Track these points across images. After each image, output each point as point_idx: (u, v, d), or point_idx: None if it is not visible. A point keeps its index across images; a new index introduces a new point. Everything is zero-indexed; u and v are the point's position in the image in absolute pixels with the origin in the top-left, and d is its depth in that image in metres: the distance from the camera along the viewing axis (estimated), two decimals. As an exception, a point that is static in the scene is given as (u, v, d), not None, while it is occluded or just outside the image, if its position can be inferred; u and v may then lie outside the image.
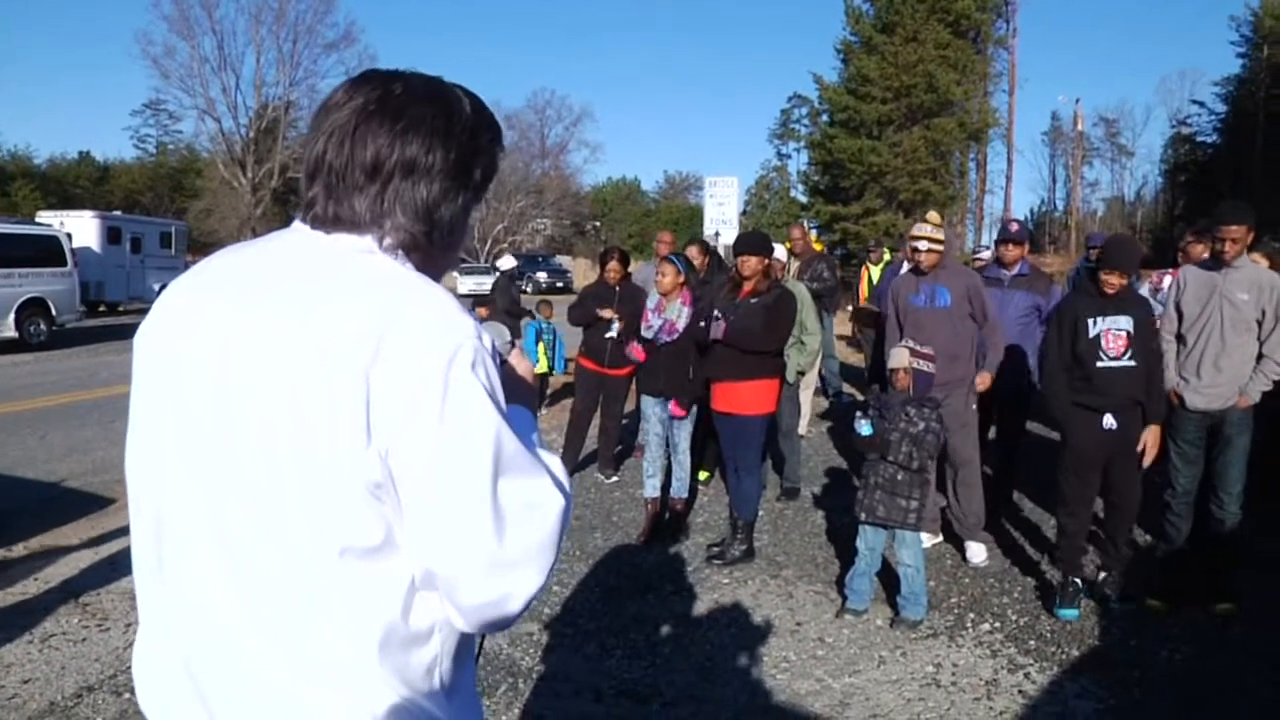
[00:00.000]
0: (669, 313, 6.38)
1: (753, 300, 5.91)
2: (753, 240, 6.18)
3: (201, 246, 52.15)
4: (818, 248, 12.10)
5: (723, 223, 17.07)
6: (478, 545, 1.21)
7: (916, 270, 6.15)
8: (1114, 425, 5.08)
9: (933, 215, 6.43)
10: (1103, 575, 5.31)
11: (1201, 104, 54.20)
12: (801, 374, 7.16)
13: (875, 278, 10.97)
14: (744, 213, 41.48)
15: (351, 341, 1.17)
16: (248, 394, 1.22)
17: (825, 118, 42.70)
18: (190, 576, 1.28)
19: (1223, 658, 4.67)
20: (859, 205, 38.20)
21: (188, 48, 49.94)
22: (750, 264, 5.92)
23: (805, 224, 15.21)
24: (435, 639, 1.30)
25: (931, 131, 38.06)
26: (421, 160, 1.31)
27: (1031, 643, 4.85)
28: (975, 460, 6.11)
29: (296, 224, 1.38)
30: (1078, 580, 5.32)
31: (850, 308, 12.50)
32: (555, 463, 1.38)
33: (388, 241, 1.33)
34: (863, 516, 5.15)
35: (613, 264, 7.82)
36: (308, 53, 53.19)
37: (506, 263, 12.66)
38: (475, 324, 1.26)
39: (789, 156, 59.10)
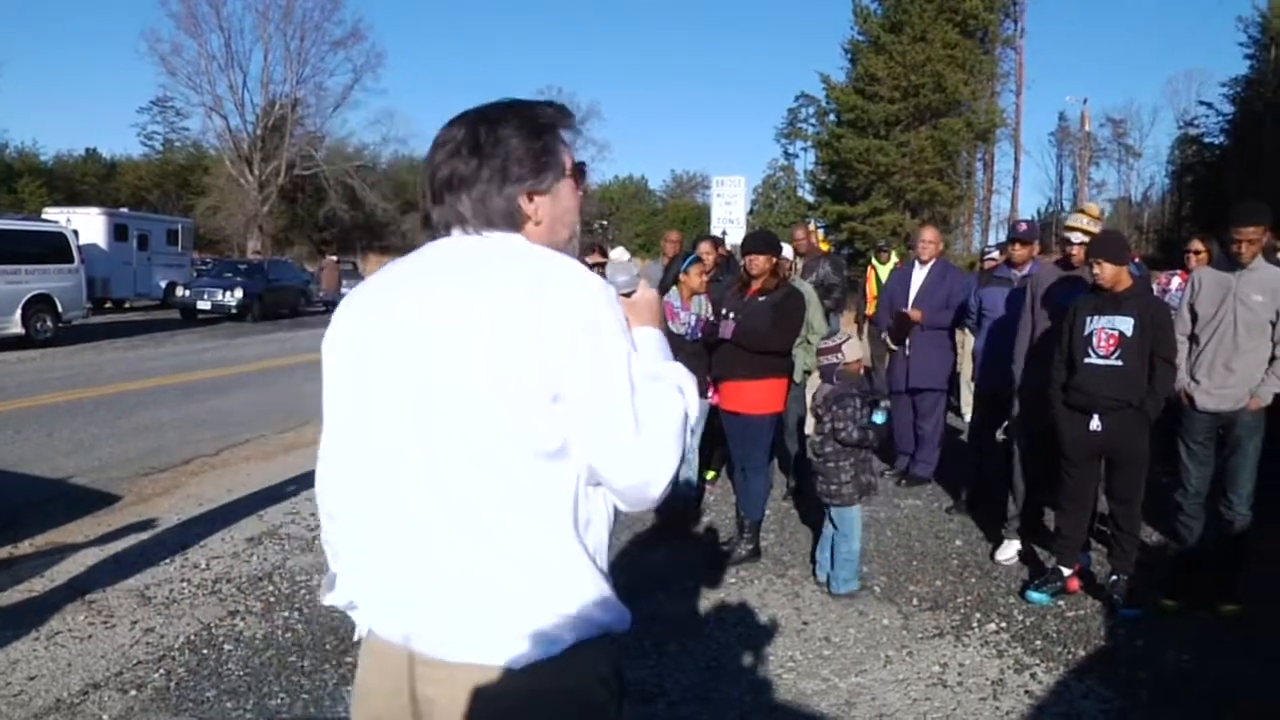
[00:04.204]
0: (695, 307, 6.40)
1: (760, 299, 5.90)
2: (760, 239, 6.17)
3: (208, 243, 52.30)
4: (825, 248, 12.09)
5: (729, 222, 17.06)
6: (624, 439, 1.57)
7: (1065, 264, 5.93)
8: (1099, 428, 5.07)
9: (1091, 207, 6.28)
10: (1112, 579, 5.30)
11: (1209, 105, 54.16)
12: (808, 373, 7.14)
13: (883, 277, 10.94)
14: (751, 212, 41.42)
15: (522, 295, 1.55)
16: (447, 347, 1.57)
17: (832, 117, 42.59)
18: (400, 495, 1.62)
19: (1229, 660, 4.66)
20: (866, 205, 38.17)
21: (195, 45, 50.16)
22: (758, 263, 5.91)
23: (812, 224, 15.19)
24: (597, 527, 1.67)
25: (939, 131, 38.01)
26: (456, 174, 1.69)
27: (1038, 643, 4.84)
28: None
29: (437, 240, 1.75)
30: (1062, 570, 5.38)
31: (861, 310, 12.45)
32: (680, 372, 1.74)
33: (470, 234, 1.70)
34: (844, 501, 5.40)
35: (596, 260, 7.69)
36: (315, 50, 53.37)
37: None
38: (600, 278, 1.65)
39: (796, 156, 59.15)
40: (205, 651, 4.55)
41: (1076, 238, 5.76)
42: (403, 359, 1.61)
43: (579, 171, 1.82)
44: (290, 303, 29.52)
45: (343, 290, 35.64)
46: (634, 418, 1.57)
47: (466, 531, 1.58)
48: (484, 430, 1.55)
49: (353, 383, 1.70)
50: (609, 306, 1.60)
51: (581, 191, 1.84)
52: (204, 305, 26.05)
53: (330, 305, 32.61)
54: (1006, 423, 6.52)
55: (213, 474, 8.12)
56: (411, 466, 1.61)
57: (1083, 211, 6.03)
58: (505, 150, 1.69)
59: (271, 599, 5.23)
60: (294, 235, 60.58)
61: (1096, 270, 5.07)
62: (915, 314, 7.66)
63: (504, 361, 1.53)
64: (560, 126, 1.78)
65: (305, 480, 7.71)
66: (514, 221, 1.71)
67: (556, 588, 1.60)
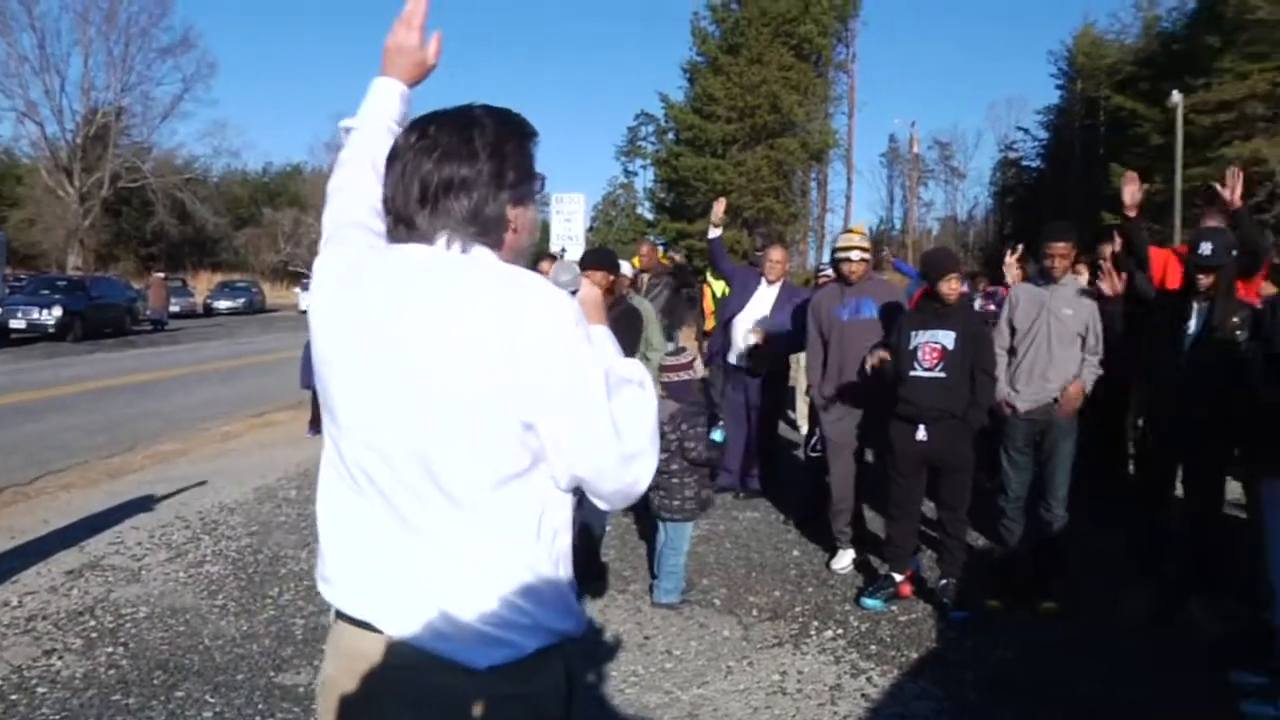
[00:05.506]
0: None
1: (595, 317, 5.91)
2: (596, 256, 6.20)
3: (23, 259, 49.28)
4: (665, 263, 12.20)
5: (569, 239, 17.11)
6: (609, 449, 1.62)
7: (844, 282, 6.21)
8: (925, 437, 5.29)
9: (858, 226, 6.56)
10: (942, 583, 5.50)
11: (1026, 131, 57.19)
12: (648, 389, 7.18)
13: (718, 293, 11.10)
14: (591, 229, 41.64)
15: (492, 323, 1.56)
16: (419, 373, 1.58)
17: (671, 136, 43.27)
18: (373, 491, 1.65)
19: (1049, 656, 4.88)
20: (704, 222, 38.68)
21: (4, 44, 47.15)
22: (595, 279, 5.91)
23: (652, 240, 15.44)
24: (562, 536, 1.72)
25: (774, 151, 39.03)
26: (456, 178, 1.66)
27: (873, 647, 4.97)
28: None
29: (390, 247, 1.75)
30: (894, 577, 5.58)
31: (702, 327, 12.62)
32: (636, 366, 1.78)
33: (455, 246, 1.68)
34: (686, 516, 5.51)
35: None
36: (141, 57, 50.94)
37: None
38: (566, 294, 1.68)
39: (635, 174, 59.53)
40: (15, 696, 4.23)
41: (856, 255, 6.12)
42: (377, 379, 1.63)
43: (542, 183, 1.85)
44: (115, 321, 28.24)
45: (171, 307, 34.36)
46: (614, 426, 1.62)
47: (430, 542, 1.63)
48: (451, 455, 1.59)
49: (339, 368, 1.70)
50: (578, 323, 1.63)
51: (536, 203, 1.86)
52: (18, 324, 24.64)
53: (158, 323, 31.32)
54: (814, 439, 6.75)
55: (27, 504, 7.65)
56: (383, 475, 1.64)
57: (852, 231, 6.48)
58: (502, 155, 1.71)
59: (93, 635, 4.93)
60: (119, 250, 57.84)
61: (947, 288, 5.30)
62: (758, 335, 7.71)
63: (474, 392, 1.56)
64: (537, 137, 1.81)
65: (131, 508, 7.35)
66: (502, 229, 1.73)
67: (519, 598, 1.64)
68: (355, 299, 1.69)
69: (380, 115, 2.06)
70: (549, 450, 1.62)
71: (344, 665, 1.73)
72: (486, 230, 1.70)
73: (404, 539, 1.64)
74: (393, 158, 1.74)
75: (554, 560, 1.70)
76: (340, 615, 1.75)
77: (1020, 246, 7.59)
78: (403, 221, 1.71)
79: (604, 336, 1.82)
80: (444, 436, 1.59)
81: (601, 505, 1.74)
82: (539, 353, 1.57)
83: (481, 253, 1.69)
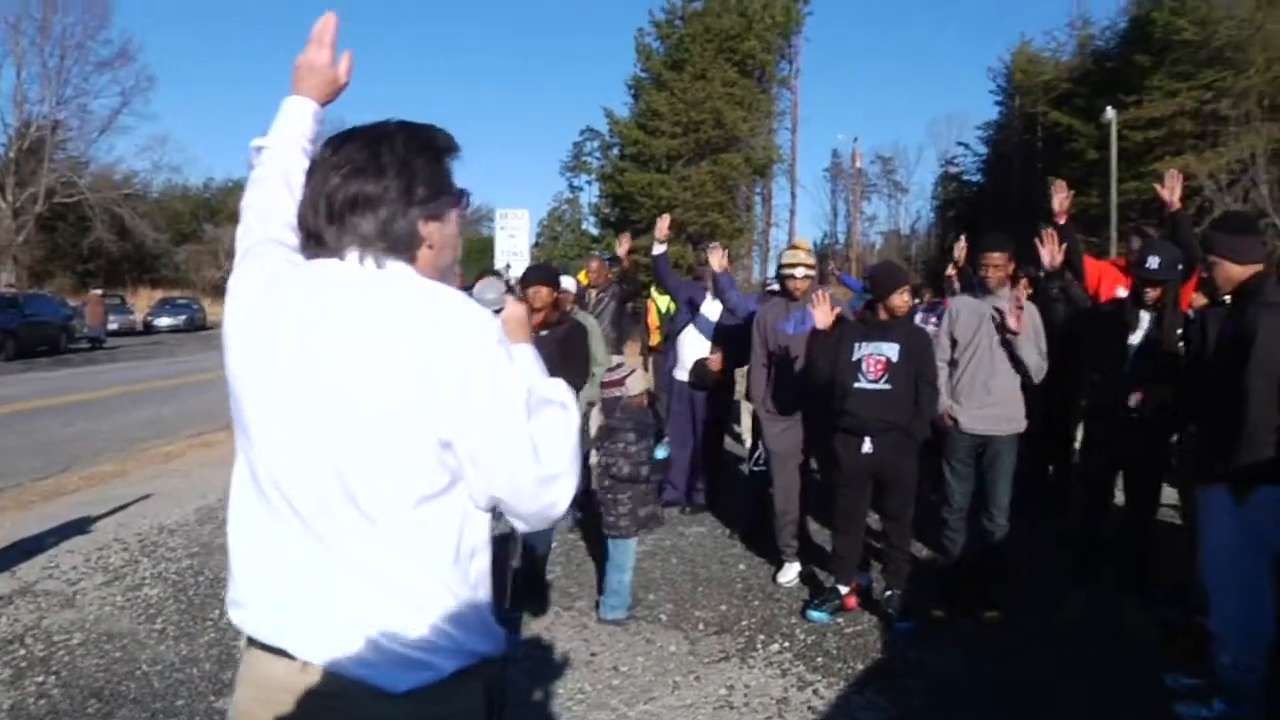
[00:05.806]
0: None
1: (543, 333, 5.90)
2: (541, 272, 6.20)
3: (-48, 277, 48.03)
4: (611, 277, 12.22)
5: (514, 255, 17.08)
6: (527, 470, 1.61)
7: (787, 296, 6.26)
8: (870, 450, 5.32)
9: (803, 241, 6.59)
10: (887, 594, 5.54)
11: (966, 146, 58.00)
12: (592, 405, 7.17)
13: (663, 308, 11.13)
14: (536, 245, 41.54)
15: (410, 343, 1.56)
16: (335, 393, 1.57)
17: (616, 151, 43.35)
18: (288, 515, 1.63)
19: (992, 664, 4.92)
20: (648, 238, 38.80)
21: (-71, 53, 46.06)
22: (542, 295, 5.91)
23: (599, 255, 15.48)
24: (480, 556, 1.70)
25: (719, 166, 39.27)
26: (361, 194, 1.66)
27: (819, 659, 4.99)
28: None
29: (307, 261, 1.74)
30: (840, 589, 5.60)
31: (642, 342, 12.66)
32: (559, 387, 1.78)
33: (368, 262, 1.67)
34: (621, 534, 5.47)
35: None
36: (77, 69, 49.71)
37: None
38: (488, 313, 1.68)
39: (581, 189, 59.43)
40: (-63, 731, 4.11)
41: (801, 271, 6.20)
42: (294, 395, 1.61)
43: (465, 198, 1.83)
44: (50, 339, 27.74)
45: (109, 324, 33.73)
46: (533, 448, 1.62)
47: (346, 562, 1.61)
48: (368, 473, 1.58)
49: (253, 383, 1.69)
50: (499, 344, 1.63)
51: (463, 218, 1.86)
52: (-51, 344, 24.12)
53: (95, 341, 30.71)
54: (758, 454, 6.80)
55: (-44, 528, 7.45)
56: (297, 494, 1.62)
57: (796, 247, 6.53)
58: (410, 171, 1.69)
59: (23, 664, 4.80)
60: (54, 267, 56.54)
61: (899, 301, 5.40)
62: (715, 361, 7.76)
63: (392, 409, 1.55)
64: (454, 151, 1.80)
65: (66, 530, 7.19)
66: (413, 245, 1.71)
67: (438, 619, 1.62)
68: (270, 313, 1.68)
69: (292, 133, 2.05)
70: (466, 469, 1.61)
71: (257, 694, 1.69)
72: (397, 246, 1.69)
73: (319, 560, 1.62)
74: (309, 174, 1.76)
75: (472, 581, 1.69)
76: (252, 641, 1.71)
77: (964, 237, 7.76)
78: (313, 237, 1.72)
79: (527, 355, 1.82)
80: (361, 454, 1.58)
81: (520, 526, 1.73)
82: (459, 371, 1.56)
83: (399, 268, 1.69)
